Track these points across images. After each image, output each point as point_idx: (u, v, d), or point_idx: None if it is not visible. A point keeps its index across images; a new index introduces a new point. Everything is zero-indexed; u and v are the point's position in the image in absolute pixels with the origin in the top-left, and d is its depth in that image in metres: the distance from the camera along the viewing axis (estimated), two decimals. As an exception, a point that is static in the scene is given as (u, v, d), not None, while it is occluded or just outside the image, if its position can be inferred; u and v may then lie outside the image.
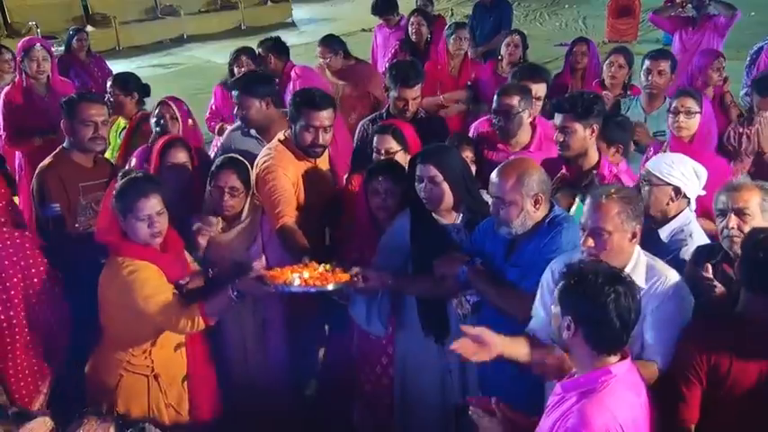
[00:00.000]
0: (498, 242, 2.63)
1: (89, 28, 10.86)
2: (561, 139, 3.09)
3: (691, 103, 3.47)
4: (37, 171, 3.30)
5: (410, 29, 5.76)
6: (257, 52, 5.05)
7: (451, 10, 14.05)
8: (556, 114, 3.14)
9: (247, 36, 12.55)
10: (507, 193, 2.48)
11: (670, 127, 3.54)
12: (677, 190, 2.71)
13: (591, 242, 2.23)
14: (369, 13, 6.68)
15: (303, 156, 3.24)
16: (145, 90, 4.24)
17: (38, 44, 4.59)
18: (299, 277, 2.56)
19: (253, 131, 3.60)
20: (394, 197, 2.95)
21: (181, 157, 3.20)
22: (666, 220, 2.74)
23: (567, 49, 5.21)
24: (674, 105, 3.52)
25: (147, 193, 2.57)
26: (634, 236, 2.24)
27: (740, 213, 2.37)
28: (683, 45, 5.56)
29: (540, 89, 3.79)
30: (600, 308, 1.85)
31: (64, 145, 3.33)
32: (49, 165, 3.28)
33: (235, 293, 2.58)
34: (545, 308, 2.33)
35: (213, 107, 4.99)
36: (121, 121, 4.21)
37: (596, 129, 3.10)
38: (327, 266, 2.66)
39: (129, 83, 4.21)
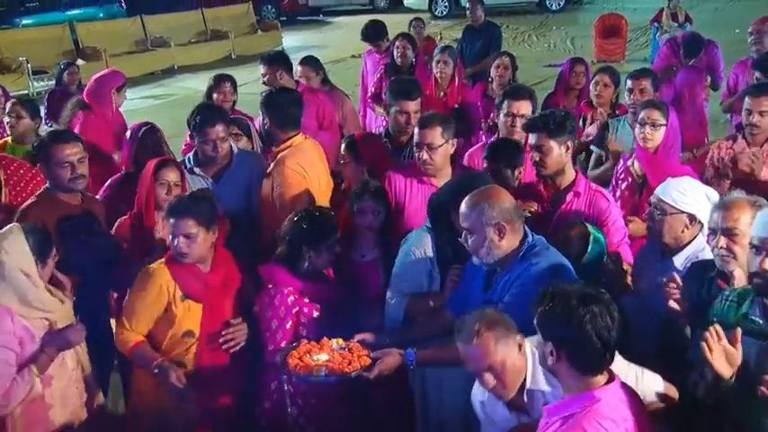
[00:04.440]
0: (479, 275, 2.64)
1: (80, 62, 10.97)
2: (537, 159, 3.09)
3: (657, 116, 3.51)
4: (18, 212, 3.16)
5: (395, 52, 5.85)
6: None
7: (440, 33, 14.28)
8: (530, 135, 3.16)
9: (237, 65, 12.72)
10: (469, 223, 2.48)
11: (637, 137, 3.58)
12: (692, 217, 2.68)
13: (490, 381, 2.14)
14: (358, 40, 6.77)
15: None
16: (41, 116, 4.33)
17: None
18: (324, 365, 2.56)
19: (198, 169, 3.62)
20: (379, 216, 3.18)
21: (172, 176, 3.25)
22: (680, 247, 2.71)
23: (563, 69, 5.26)
24: (641, 117, 3.57)
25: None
26: (520, 347, 2.15)
27: (729, 233, 2.32)
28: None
29: (522, 107, 3.73)
30: (577, 329, 1.84)
31: (47, 186, 3.25)
32: (32, 205, 3.16)
33: (156, 371, 2.76)
34: None
35: (189, 140, 4.77)
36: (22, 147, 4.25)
37: (570, 146, 3.12)
38: (340, 341, 2.67)
39: (32, 107, 4.27)
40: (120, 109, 4.84)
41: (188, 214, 2.75)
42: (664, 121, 3.52)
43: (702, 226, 2.70)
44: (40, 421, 2.62)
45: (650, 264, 2.83)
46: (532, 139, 3.12)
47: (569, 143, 3.09)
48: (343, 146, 3.60)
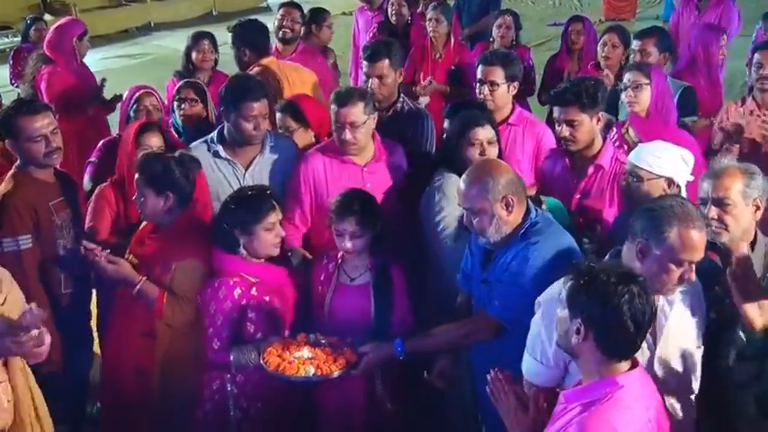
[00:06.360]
0: (479, 253, 2.66)
1: (47, 17, 10.75)
2: (567, 134, 3.07)
3: (637, 76, 3.61)
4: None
5: (390, 10, 5.78)
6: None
7: (437, -11, 14.09)
8: (556, 107, 3.13)
9: (219, 22, 12.52)
10: (474, 202, 2.48)
11: (625, 104, 3.67)
12: (670, 181, 2.74)
13: None
14: (349, -4, 6.70)
15: None
16: None
17: None
18: (311, 363, 2.57)
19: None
20: (361, 239, 2.83)
21: (155, 141, 3.23)
22: None
23: (563, 28, 5.27)
24: (624, 81, 3.68)
25: None
26: None
27: (720, 203, 2.36)
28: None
29: (491, 73, 3.52)
30: (613, 309, 1.84)
31: (18, 164, 3.11)
32: (13, 189, 3.03)
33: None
34: (535, 354, 2.23)
35: (166, 102, 4.71)
36: None
37: (602, 117, 3.11)
38: (319, 336, 2.67)
39: None
40: (84, 60, 4.82)
41: (139, 172, 2.84)
42: (646, 81, 3.60)
43: (680, 189, 2.76)
44: None
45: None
46: (561, 113, 3.08)
47: (601, 114, 3.10)
48: (283, 116, 3.50)
